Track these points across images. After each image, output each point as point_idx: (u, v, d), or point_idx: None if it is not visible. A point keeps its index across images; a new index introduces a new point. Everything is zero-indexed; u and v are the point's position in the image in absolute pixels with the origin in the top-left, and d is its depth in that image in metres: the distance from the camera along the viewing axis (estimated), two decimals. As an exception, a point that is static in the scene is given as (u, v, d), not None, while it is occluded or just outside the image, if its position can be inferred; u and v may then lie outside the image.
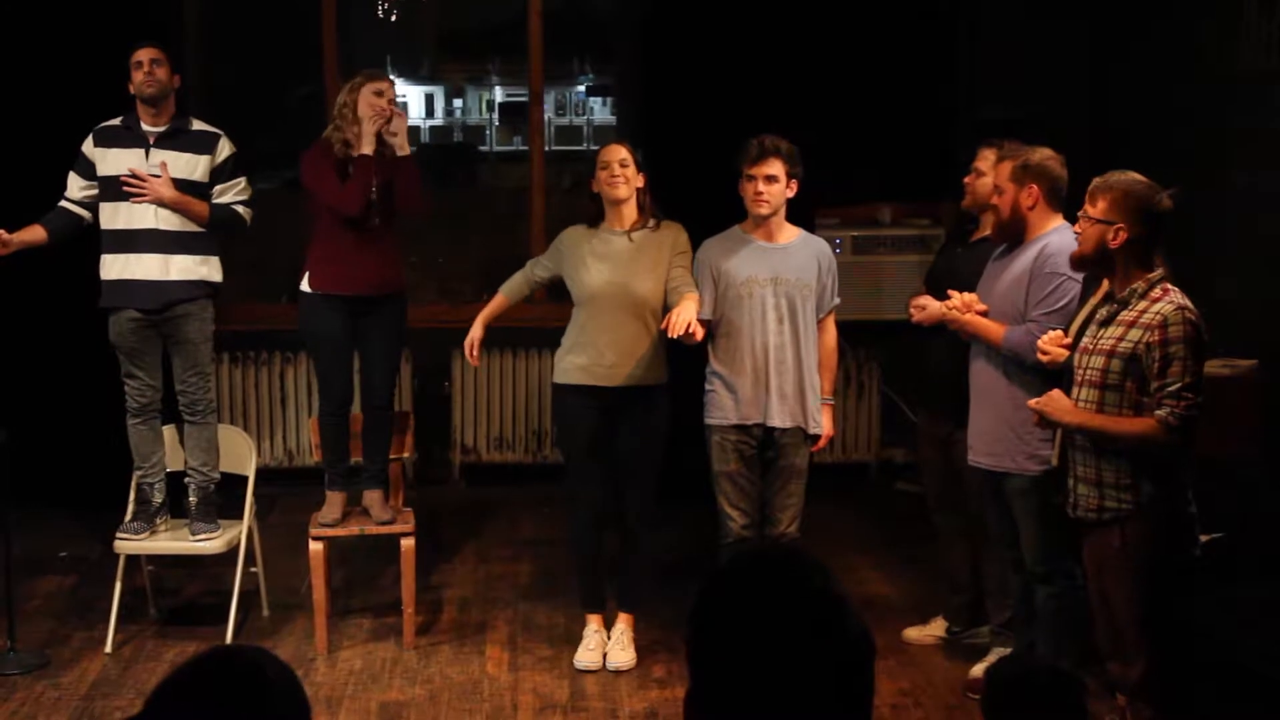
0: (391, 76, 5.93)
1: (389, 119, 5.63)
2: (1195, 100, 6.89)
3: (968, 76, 8.01)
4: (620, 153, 5.53)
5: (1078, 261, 4.43)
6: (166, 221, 5.80)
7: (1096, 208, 4.25)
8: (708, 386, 5.52)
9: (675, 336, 5.20)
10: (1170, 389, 4.12)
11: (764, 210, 5.40)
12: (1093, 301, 4.49)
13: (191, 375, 5.92)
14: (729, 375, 5.46)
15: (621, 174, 5.50)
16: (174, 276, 5.82)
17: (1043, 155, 4.99)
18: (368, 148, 5.60)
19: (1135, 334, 4.19)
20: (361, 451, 5.97)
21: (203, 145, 5.89)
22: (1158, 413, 4.15)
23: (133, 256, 5.80)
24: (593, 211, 5.61)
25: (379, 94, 5.67)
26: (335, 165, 5.67)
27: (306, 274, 5.79)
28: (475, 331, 5.71)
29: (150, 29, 6.32)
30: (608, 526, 5.73)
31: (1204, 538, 4.64)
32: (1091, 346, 4.31)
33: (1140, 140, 6.99)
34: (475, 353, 5.71)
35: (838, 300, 5.60)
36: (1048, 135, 5.35)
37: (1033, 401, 4.47)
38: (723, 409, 5.47)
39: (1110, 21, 7.69)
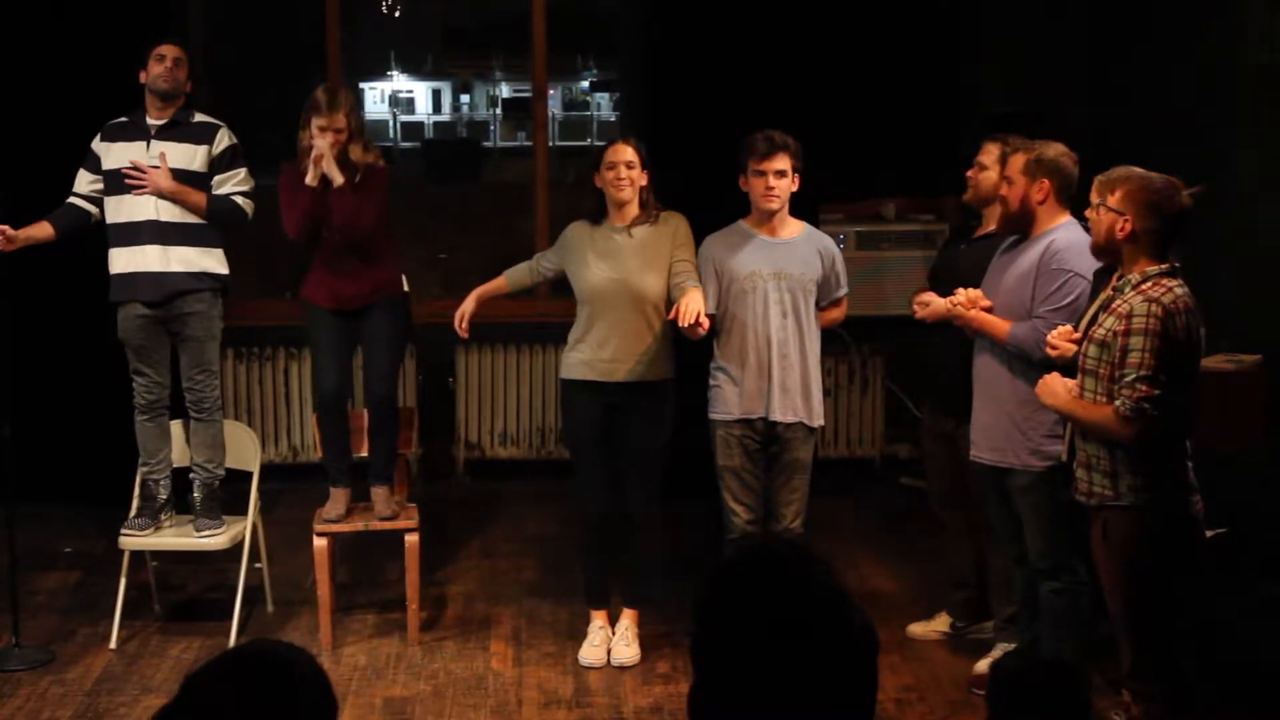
0: (342, 100, 5.71)
1: (317, 152, 5.59)
2: (1198, 94, 6.89)
3: (971, 71, 8.00)
4: (627, 154, 5.52)
5: (1094, 251, 4.44)
6: (166, 213, 5.81)
7: (1114, 197, 4.26)
8: (711, 382, 5.53)
9: (685, 326, 5.21)
10: (1126, 379, 4.15)
11: (775, 205, 5.41)
12: (1104, 295, 4.50)
13: (198, 373, 5.92)
14: (732, 369, 5.46)
15: (627, 176, 5.49)
16: (175, 268, 5.83)
17: (1057, 151, 4.97)
18: (311, 180, 5.60)
19: (1110, 322, 4.22)
20: (367, 448, 5.97)
21: (202, 136, 5.90)
22: (1115, 402, 4.17)
23: (136, 249, 5.82)
24: (594, 207, 5.61)
25: (321, 129, 5.61)
26: (298, 183, 5.69)
27: (306, 284, 5.87)
28: (467, 305, 5.77)
29: (157, 25, 6.32)
30: (612, 522, 5.74)
31: (1209, 532, 4.65)
32: (1090, 333, 4.34)
33: (1143, 134, 6.99)
34: (464, 325, 5.75)
35: (845, 289, 5.60)
36: (1050, 130, 5.35)
37: (1038, 382, 4.50)
38: (726, 404, 5.48)
39: (1113, 16, 7.69)
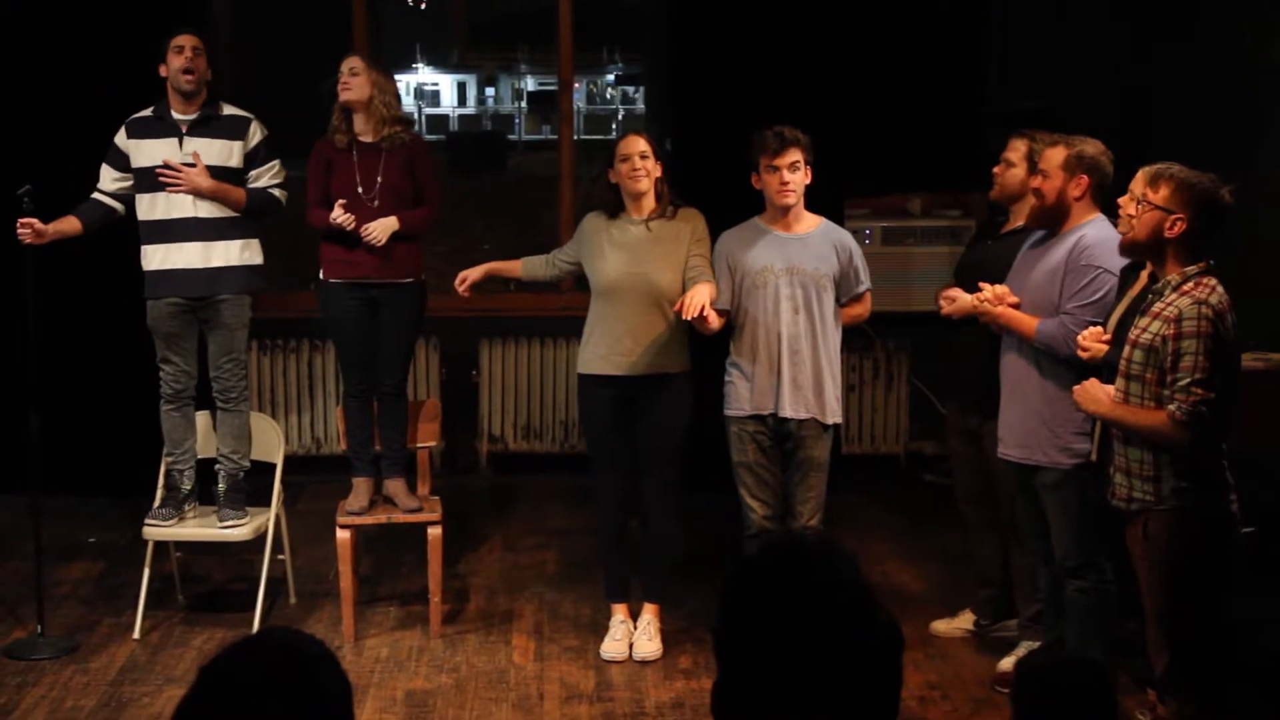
0: (356, 53, 5.94)
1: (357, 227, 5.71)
2: (1230, 91, 6.85)
3: (998, 66, 7.96)
4: (640, 145, 5.51)
5: (1128, 247, 4.38)
6: (206, 210, 5.82)
7: (1158, 194, 4.19)
8: (726, 378, 5.51)
9: (688, 318, 5.20)
10: (1180, 384, 4.10)
11: (791, 200, 5.39)
12: (1132, 292, 4.46)
13: (227, 361, 5.94)
14: (745, 365, 5.45)
15: (642, 166, 5.48)
16: (216, 263, 5.85)
17: (1096, 149, 4.94)
18: (345, 225, 5.69)
19: (1156, 326, 4.16)
20: (379, 440, 5.98)
21: (235, 131, 5.91)
22: (1169, 407, 4.12)
23: (173, 246, 5.82)
24: (611, 202, 5.59)
25: (343, 84, 5.71)
26: (327, 166, 5.79)
27: (322, 265, 5.87)
28: (476, 271, 5.78)
29: (182, 16, 6.32)
30: (632, 515, 5.73)
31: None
32: (1132, 337, 4.29)
33: (1176, 130, 6.95)
34: (465, 286, 5.75)
35: (866, 285, 5.56)
36: (1079, 125, 5.31)
37: (1075, 388, 4.46)
38: (739, 400, 5.47)
39: (1140, 11, 7.65)
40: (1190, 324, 4.08)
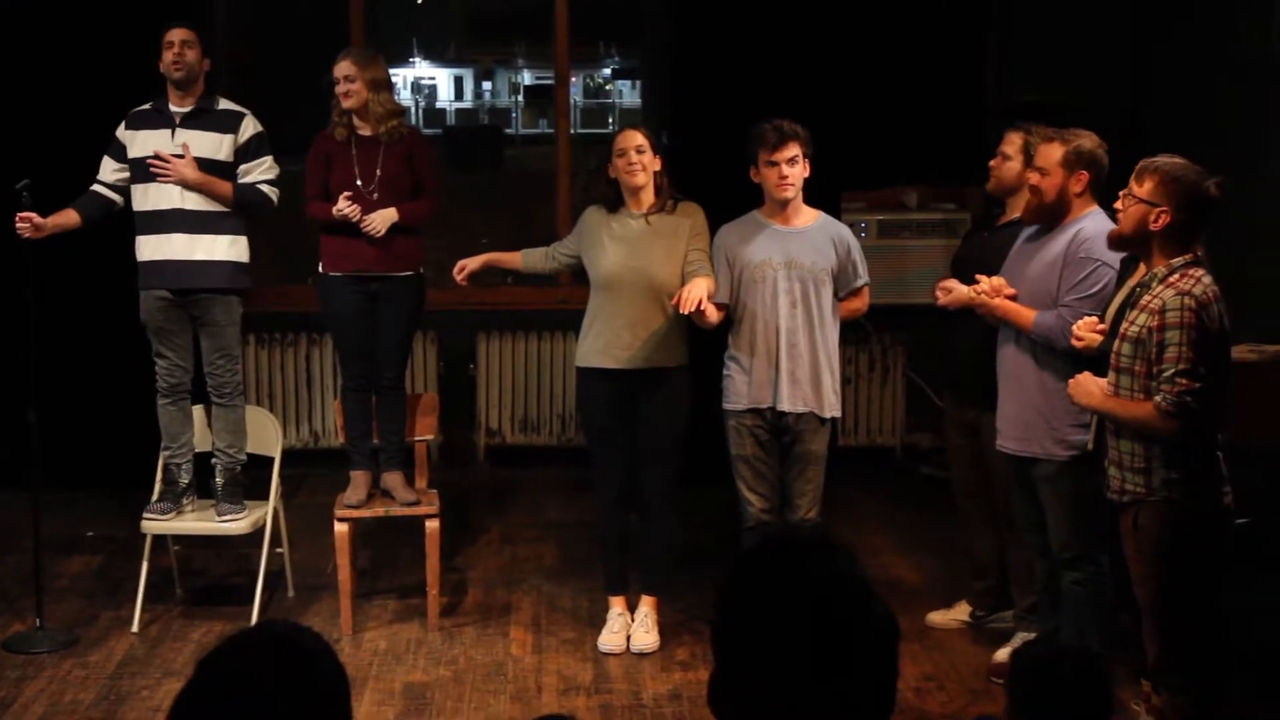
0: (353, 53, 5.89)
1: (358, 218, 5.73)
2: (1230, 84, 6.86)
3: (995, 59, 7.97)
4: (637, 139, 5.52)
5: (1116, 240, 4.40)
6: (192, 201, 5.83)
7: (1143, 188, 4.21)
8: (725, 371, 5.52)
9: (686, 312, 5.21)
10: (1165, 374, 4.11)
11: (790, 194, 5.39)
12: (1130, 284, 4.47)
13: (219, 357, 5.94)
14: (743, 359, 5.45)
15: (639, 161, 5.49)
16: (200, 256, 5.85)
17: (1093, 142, 4.94)
18: (349, 215, 5.71)
19: (1143, 318, 4.18)
20: (377, 434, 6.00)
21: (227, 124, 5.91)
22: (1155, 398, 4.14)
23: (162, 237, 5.84)
24: (610, 197, 5.60)
25: (339, 88, 5.74)
26: (326, 159, 5.81)
27: (321, 258, 5.89)
28: (475, 261, 5.81)
29: (180, 11, 6.32)
30: (630, 508, 5.74)
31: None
32: (1121, 330, 4.31)
33: (1174, 124, 6.95)
34: (463, 276, 5.80)
35: (864, 279, 5.56)
36: (1074, 119, 5.32)
37: (1069, 381, 4.48)
38: (737, 393, 5.47)
39: (1141, 6, 7.65)
40: (1174, 315, 4.09)
